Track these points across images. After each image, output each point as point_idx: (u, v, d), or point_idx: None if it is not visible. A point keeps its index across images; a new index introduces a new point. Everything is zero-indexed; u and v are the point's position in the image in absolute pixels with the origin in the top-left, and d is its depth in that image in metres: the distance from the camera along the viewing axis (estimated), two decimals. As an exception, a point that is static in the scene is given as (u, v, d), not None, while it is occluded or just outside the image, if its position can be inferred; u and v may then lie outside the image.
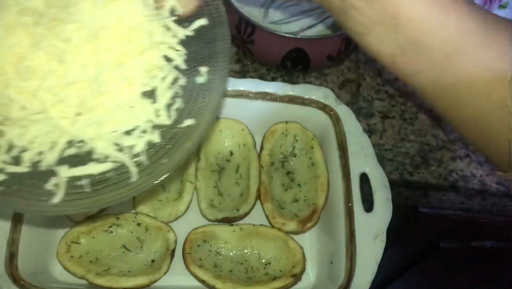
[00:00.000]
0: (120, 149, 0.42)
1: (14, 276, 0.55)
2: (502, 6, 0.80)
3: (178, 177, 0.67)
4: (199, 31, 0.45)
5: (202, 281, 0.60)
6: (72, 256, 0.60)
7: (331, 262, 0.62)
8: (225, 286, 0.58)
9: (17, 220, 0.57)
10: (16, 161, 0.42)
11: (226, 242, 0.63)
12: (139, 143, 0.42)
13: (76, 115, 0.41)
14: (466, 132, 0.43)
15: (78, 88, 0.41)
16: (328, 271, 0.62)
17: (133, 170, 0.42)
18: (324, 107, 0.67)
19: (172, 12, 0.44)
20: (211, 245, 0.63)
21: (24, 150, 0.42)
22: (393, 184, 0.64)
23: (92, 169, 0.42)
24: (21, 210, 0.42)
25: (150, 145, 0.43)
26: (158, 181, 0.42)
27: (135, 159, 0.42)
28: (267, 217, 0.64)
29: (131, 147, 0.42)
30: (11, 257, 0.56)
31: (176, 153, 0.42)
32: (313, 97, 0.67)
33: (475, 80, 0.38)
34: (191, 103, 0.44)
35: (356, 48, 0.77)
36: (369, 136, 0.67)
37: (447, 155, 0.73)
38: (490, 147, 0.42)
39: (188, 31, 0.45)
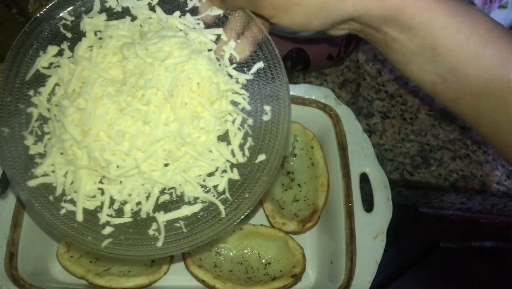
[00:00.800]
0: (207, 190, 0.48)
1: (14, 276, 0.55)
2: (502, 6, 0.80)
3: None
4: (259, 73, 0.49)
5: (202, 281, 0.59)
6: (72, 256, 0.60)
7: (331, 262, 0.62)
8: (225, 286, 0.58)
9: (17, 220, 0.57)
10: (119, 213, 0.48)
11: (226, 242, 0.63)
12: (222, 183, 0.48)
13: (164, 167, 0.47)
14: (509, 156, 0.44)
15: (163, 143, 0.46)
16: (328, 271, 0.62)
17: (221, 207, 0.47)
18: (324, 107, 0.67)
19: (231, 60, 0.49)
20: (211, 245, 0.63)
21: (124, 203, 0.48)
22: (393, 184, 0.64)
23: (185, 211, 0.48)
24: (131, 256, 0.46)
25: (232, 183, 0.48)
26: (245, 214, 0.46)
27: (221, 197, 0.48)
28: (267, 217, 0.64)
29: (215, 187, 0.48)
30: (11, 257, 0.56)
31: (256, 187, 0.47)
32: (313, 97, 0.67)
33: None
34: (261, 140, 0.49)
35: (356, 48, 0.77)
36: (369, 136, 0.67)
37: (447, 155, 0.73)
38: None
39: (248, 75, 0.49)
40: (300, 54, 0.71)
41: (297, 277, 0.60)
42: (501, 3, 0.79)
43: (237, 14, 0.48)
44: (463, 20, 0.40)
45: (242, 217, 0.46)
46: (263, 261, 0.63)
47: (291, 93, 0.67)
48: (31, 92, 0.49)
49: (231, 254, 0.63)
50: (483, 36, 0.40)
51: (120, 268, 0.60)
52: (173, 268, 0.61)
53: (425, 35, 0.40)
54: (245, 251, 0.64)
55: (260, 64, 0.49)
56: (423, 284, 1.12)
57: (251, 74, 0.49)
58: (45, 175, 0.48)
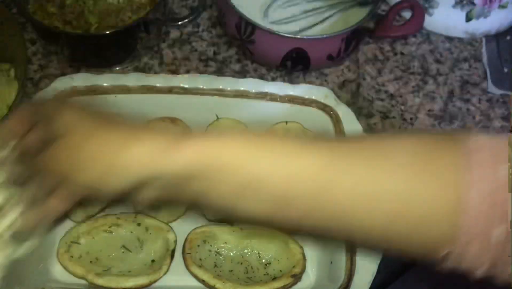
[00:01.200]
0: None
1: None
2: (502, 6, 0.80)
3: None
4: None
5: (202, 281, 0.59)
6: (72, 256, 0.60)
7: (331, 262, 0.62)
8: (225, 286, 0.58)
9: (17, 220, 0.57)
10: None
11: (226, 242, 0.63)
12: None
13: None
14: (377, 244, 0.43)
15: None
16: (328, 271, 0.62)
17: None
18: (324, 107, 0.67)
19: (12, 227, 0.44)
20: (211, 245, 0.63)
21: None
22: (393, 184, 0.64)
23: None
24: None
25: None
26: None
27: None
28: (267, 217, 0.64)
29: None
30: (11, 257, 0.56)
31: None
32: (313, 97, 0.67)
33: (349, 203, 0.38)
34: None
35: (356, 48, 0.77)
36: (369, 136, 0.67)
37: (447, 155, 0.72)
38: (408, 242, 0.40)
39: (16, 251, 0.45)
40: (300, 54, 0.71)
41: (297, 277, 0.60)
42: (501, 3, 0.79)
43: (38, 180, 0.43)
44: (270, 145, 0.39)
45: None
46: (263, 261, 0.63)
47: (291, 93, 0.67)
48: None
49: (231, 254, 0.63)
50: (295, 155, 0.39)
51: (120, 268, 0.60)
52: (173, 268, 0.61)
53: (239, 170, 0.38)
54: (245, 251, 0.64)
55: (32, 243, 0.45)
56: (423, 284, 1.12)
57: (18, 251, 0.45)
58: None
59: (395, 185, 0.37)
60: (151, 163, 0.38)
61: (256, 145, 0.39)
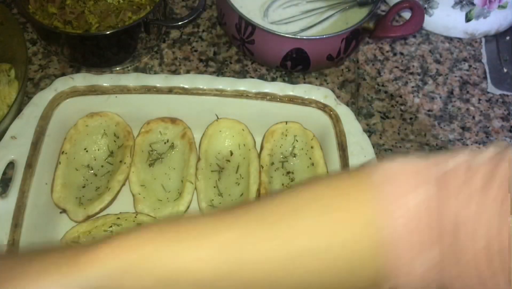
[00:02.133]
0: None
1: (14, 276, 0.55)
2: (501, 6, 0.80)
3: (179, 176, 0.67)
4: None
5: (202, 281, 0.59)
6: (72, 256, 0.60)
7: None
8: (225, 286, 0.58)
9: (17, 220, 0.57)
10: None
11: (226, 242, 0.63)
12: None
13: None
14: None
15: None
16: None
17: None
18: (324, 107, 0.67)
19: None
20: (211, 245, 0.63)
21: None
22: (393, 184, 0.64)
23: None
24: None
25: None
26: None
27: None
28: (267, 217, 0.64)
29: None
30: (11, 257, 0.56)
31: None
32: (313, 97, 0.67)
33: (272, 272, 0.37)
34: None
35: (356, 48, 0.77)
36: (369, 136, 0.67)
37: (447, 155, 0.73)
38: None
39: None
40: (300, 54, 0.71)
41: (297, 277, 0.60)
42: (501, 3, 0.79)
43: None
44: (183, 232, 0.38)
45: None
46: (263, 261, 0.63)
47: (291, 93, 0.67)
48: None
49: (231, 253, 0.63)
50: (209, 237, 0.37)
51: (120, 268, 0.60)
52: (173, 268, 0.61)
53: (155, 267, 0.37)
54: (245, 250, 0.64)
55: None
56: (423, 284, 1.11)
57: None
58: None
59: (314, 242, 0.37)
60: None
61: (168, 236, 0.38)
